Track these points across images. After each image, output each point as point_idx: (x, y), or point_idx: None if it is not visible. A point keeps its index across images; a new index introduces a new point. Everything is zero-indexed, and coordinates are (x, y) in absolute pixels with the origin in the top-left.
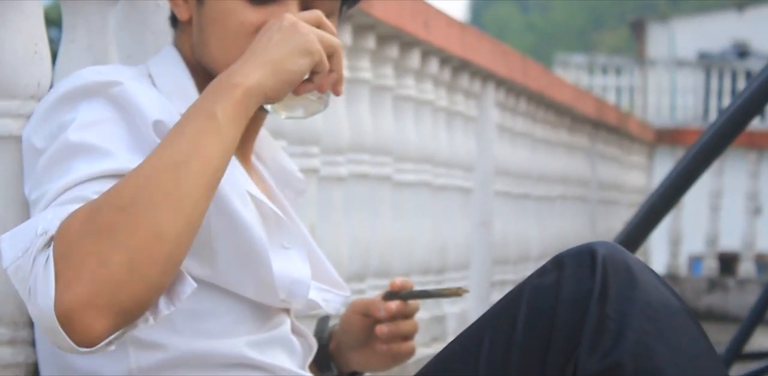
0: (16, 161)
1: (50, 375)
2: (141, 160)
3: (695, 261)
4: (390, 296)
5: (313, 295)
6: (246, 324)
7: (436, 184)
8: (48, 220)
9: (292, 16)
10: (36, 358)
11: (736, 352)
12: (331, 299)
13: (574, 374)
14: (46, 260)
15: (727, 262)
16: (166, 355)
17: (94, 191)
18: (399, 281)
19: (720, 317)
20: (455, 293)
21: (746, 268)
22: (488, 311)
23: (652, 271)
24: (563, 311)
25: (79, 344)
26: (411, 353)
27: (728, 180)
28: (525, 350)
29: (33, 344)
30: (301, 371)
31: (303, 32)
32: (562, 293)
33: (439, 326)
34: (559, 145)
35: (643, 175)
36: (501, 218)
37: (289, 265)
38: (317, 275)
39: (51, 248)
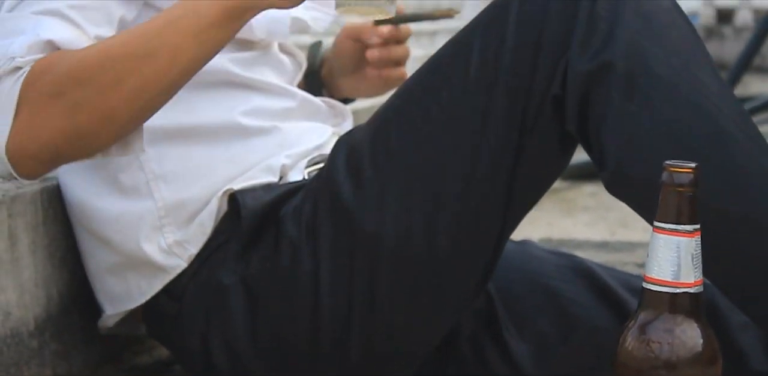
0: None
1: None
2: None
3: (691, 17)
4: (381, 21)
5: (300, 13)
6: (231, 45)
7: None
8: (18, 44)
9: None
10: None
11: None
12: (320, 18)
13: (564, 75)
14: (9, 89)
15: (725, 15)
16: None
17: (67, 5)
18: None
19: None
20: (446, 14)
21: (743, 17)
22: (479, 14)
23: None
24: (554, 12)
25: (21, 177)
26: (402, 78)
27: None
28: (516, 52)
29: None
30: (289, 86)
31: None
32: None
33: None
34: None
35: None
36: None
37: None
38: None
39: (17, 79)
